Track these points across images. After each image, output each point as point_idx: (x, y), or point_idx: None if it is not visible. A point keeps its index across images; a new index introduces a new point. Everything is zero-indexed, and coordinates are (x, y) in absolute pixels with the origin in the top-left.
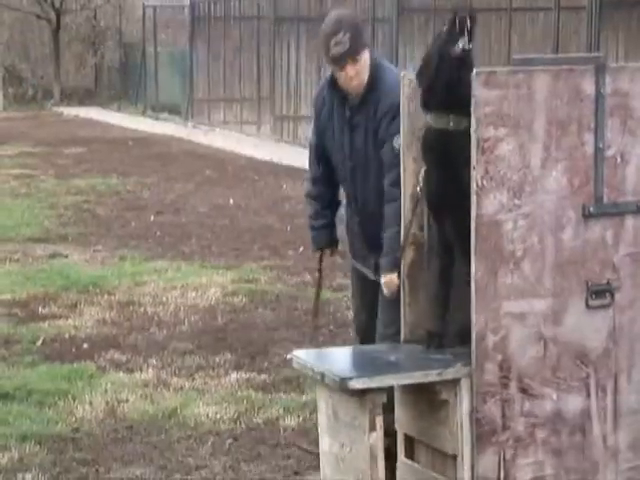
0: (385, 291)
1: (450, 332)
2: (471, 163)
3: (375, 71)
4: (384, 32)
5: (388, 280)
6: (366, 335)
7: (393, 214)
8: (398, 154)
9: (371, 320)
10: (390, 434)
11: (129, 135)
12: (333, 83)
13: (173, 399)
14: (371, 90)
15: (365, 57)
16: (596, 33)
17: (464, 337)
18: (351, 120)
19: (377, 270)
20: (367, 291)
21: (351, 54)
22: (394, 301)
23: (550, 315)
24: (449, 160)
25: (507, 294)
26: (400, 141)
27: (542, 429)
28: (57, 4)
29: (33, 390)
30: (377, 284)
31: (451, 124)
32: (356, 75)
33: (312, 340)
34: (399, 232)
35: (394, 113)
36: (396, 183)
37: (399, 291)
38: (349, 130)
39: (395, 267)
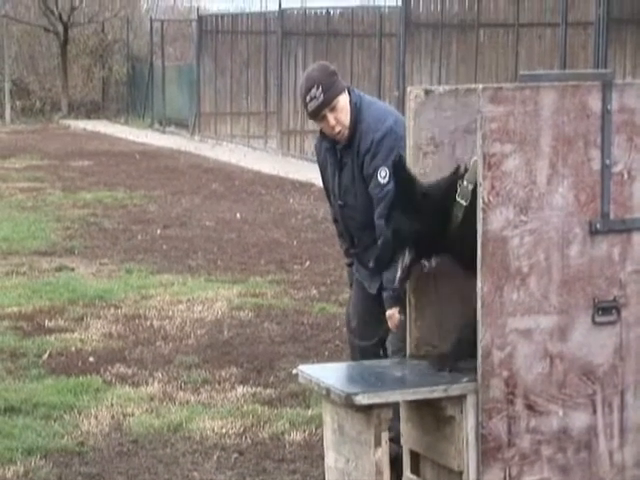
0: (389, 324)
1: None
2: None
3: (355, 112)
4: (391, 47)
5: (390, 314)
6: (355, 337)
7: None
8: (384, 186)
9: (364, 326)
10: (399, 442)
11: (136, 148)
12: (323, 133)
13: (179, 413)
14: (354, 131)
15: (342, 102)
16: (603, 49)
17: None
18: (341, 161)
19: (373, 286)
20: (364, 299)
21: (327, 104)
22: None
23: (556, 331)
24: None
25: (513, 310)
26: (384, 173)
27: (548, 446)
28: (65, 17)
29: (39, 403)
30: (374, 296)
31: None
32: (337, 122)
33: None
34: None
35: (375, 149)
36: (385, 215)
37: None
38: (339, 170)
39: (394, 302)
